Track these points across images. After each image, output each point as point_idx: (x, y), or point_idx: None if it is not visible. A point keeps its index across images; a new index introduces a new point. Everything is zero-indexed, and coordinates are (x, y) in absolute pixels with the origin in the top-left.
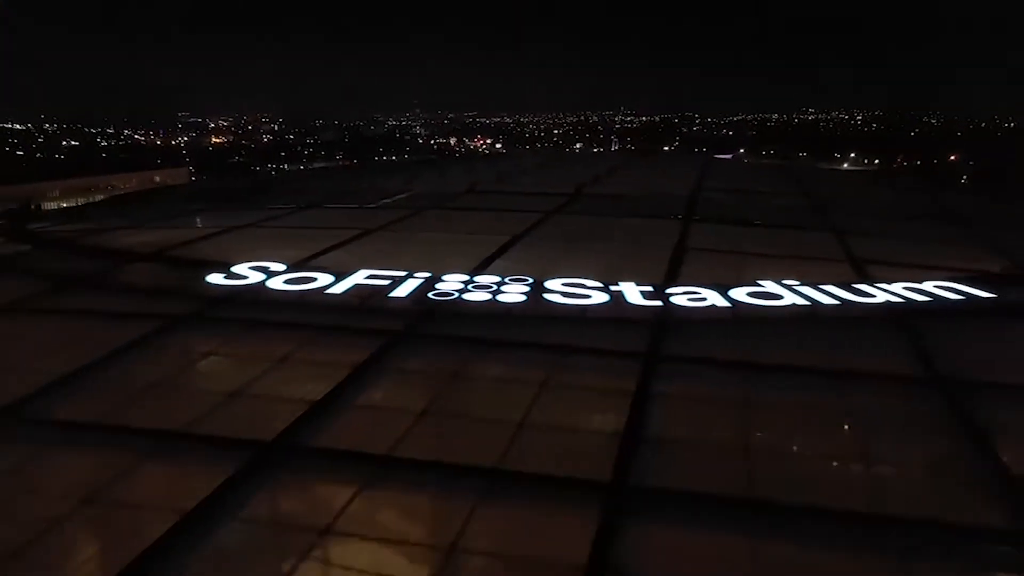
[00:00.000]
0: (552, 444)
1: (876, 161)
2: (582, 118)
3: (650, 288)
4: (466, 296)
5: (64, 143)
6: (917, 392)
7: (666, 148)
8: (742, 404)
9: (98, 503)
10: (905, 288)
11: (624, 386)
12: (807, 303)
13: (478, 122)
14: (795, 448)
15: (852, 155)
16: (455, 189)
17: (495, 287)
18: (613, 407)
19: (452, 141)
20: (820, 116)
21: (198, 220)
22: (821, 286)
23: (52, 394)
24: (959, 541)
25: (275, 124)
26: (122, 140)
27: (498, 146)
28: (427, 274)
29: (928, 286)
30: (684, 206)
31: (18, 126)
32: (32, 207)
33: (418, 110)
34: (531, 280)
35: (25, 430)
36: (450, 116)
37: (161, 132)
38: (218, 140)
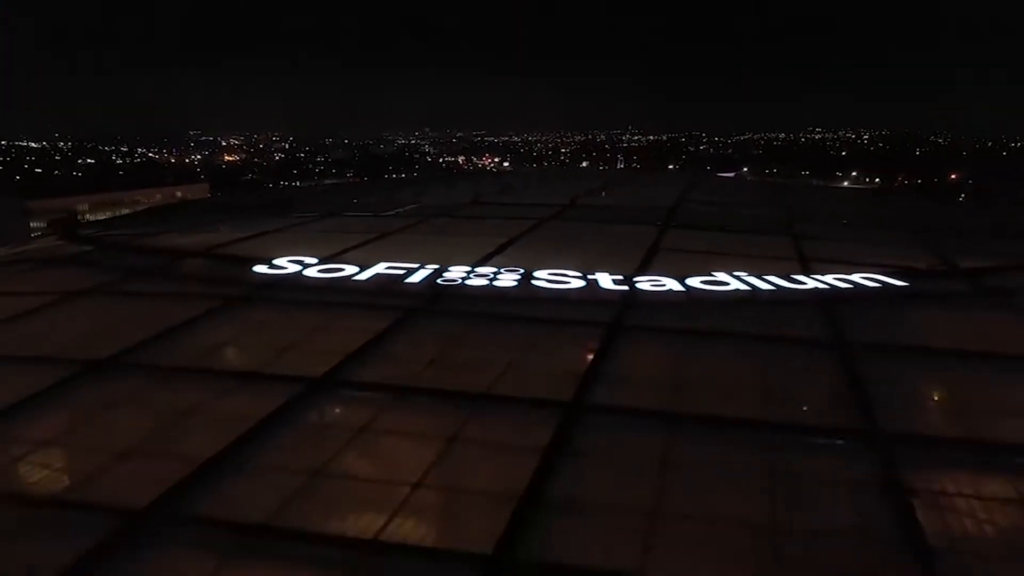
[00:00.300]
0: (530, 378)
1: (877, 180)
2: (589, 137)
3: (620, 277)
4: (468, 282)
5: (80, 161)
6: (817, 348)
7: (671, 166)
8: (680, 356)
9: (194, 416)
10: (834, 278)
11: (590, 344)
12: (748, 288)
13: (486, 141)
14: (712, 380)
15: (854, 174)
16: (461, 201)
17: (492, 275)
18: (580, 356)
19: (460, 159)
20: (827, 135)
21: (233, 226)
22: (764, 276)
23: (146, 348)
24: (817, 437)
25: (285, 143)
26: (137, 158)
27: (506, 164)
28: (436, 266)
29: (854, 277)
30: (666, 215)
31: (33, 144)
32: (78, 217)
33: (427, 129)
34: (522, 271)
35: (129, 373)
36: (459, 135)
37: (174, 150)
38: (231, 158)
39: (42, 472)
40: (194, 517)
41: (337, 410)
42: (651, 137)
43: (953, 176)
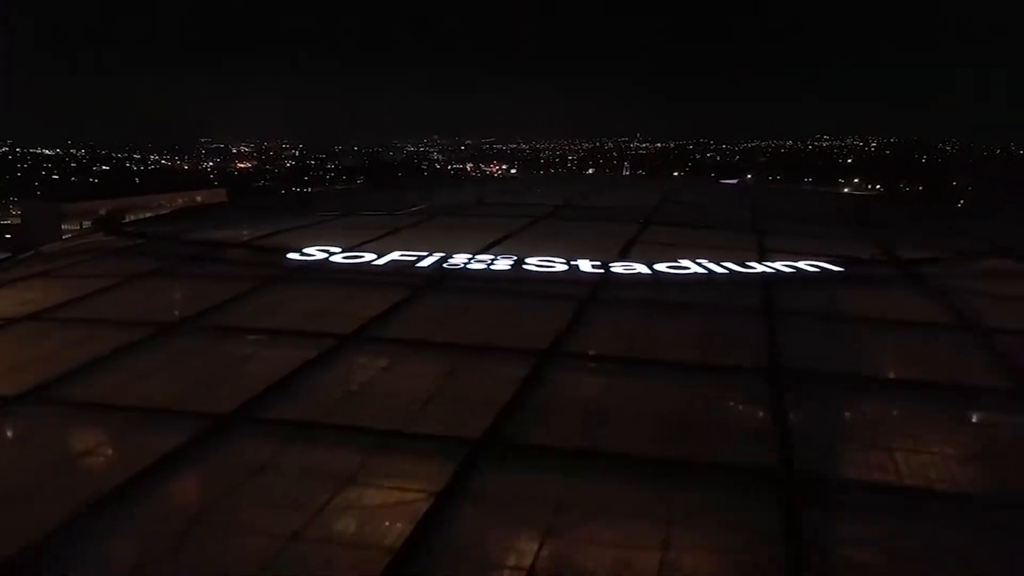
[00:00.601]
0: (516, 334)
1: (878, 186)
2: (597, 144)
3: (599, 263)
4: (469, 266)
5: (95, 168)
6: (751, 316)
7: (676, 173)
8: (639, 320)
9: (252, 360)
10: (782, 264)
11: (567, 313)
12: (705, 271)
13: (495, 148)
14: (660, 336)
15: (855, 180)
16: (466, 202)
17: (489, 261)
18: (558, 319)
19: (468, 167)
20: (834, 143)
21: (263, 223)
22: (722, 263)
23: (205, 315)
24: (733, 372)
25: (295, 150)
26: (151, 165)
27: (513, 171)
28: (442, 254)
29: (799, 264)
30: (650, 214)
31: (47, 151)
32: (120, 217)
33: (436, 136)
34: (515, 258)
35: (194, 332)
36: (467, 143)
37: (186, 157)
38: (243, 165)
39: (147, 391)
40: (262, 419)
41: (364, 356)
42: (658, 144)
43: (955, 183)
